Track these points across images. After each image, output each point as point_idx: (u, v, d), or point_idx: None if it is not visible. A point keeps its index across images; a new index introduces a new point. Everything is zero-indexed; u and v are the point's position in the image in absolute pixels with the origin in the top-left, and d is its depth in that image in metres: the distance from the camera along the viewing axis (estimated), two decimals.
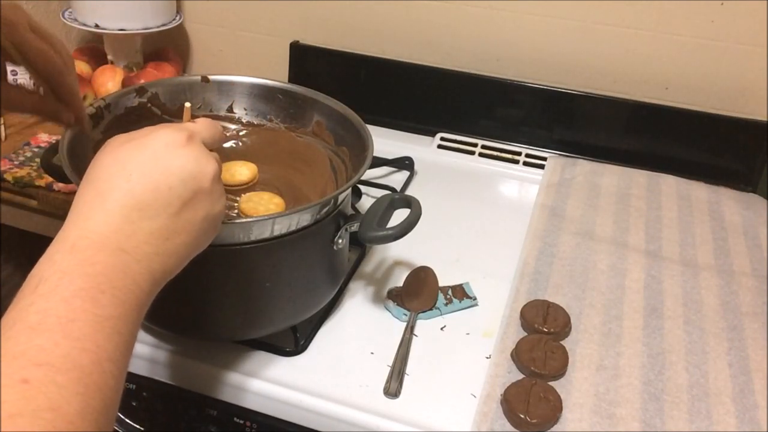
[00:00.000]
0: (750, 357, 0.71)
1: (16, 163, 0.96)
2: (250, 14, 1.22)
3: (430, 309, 0.74)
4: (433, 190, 0.99)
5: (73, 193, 0.46)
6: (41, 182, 0.93)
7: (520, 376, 0.66)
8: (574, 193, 0.97)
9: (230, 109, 0.79)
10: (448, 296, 0.76)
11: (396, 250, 0.84)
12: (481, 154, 1.08)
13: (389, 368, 0.67)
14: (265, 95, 0.79)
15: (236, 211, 0.70)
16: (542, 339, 0.69)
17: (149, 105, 0.75)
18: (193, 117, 0.54)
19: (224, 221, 0.58)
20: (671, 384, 0.67)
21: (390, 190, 0.94)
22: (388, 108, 1.14)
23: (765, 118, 1.03)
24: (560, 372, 0.67)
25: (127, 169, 0.43)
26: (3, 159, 0.97)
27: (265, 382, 0.65)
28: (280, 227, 0.60)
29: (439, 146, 1.09)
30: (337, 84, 1.15)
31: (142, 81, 1.00)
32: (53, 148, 0.63)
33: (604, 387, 0.66)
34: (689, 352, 0.71)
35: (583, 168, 1.03)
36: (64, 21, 1.17)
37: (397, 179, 1.00)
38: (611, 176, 1.01)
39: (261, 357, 0.68)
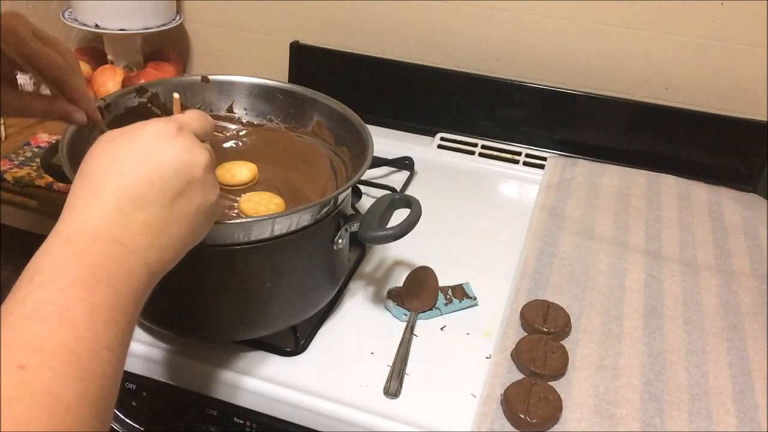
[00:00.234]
0: (750, 357, 0.71)
1: (16, 163, 0.96)
2: (250, 14, 1.22)
3: (430, 309, 0.74)
4: (433, 190, 0.99)
5: None
6: (41, 182, 0.93)
7: (520, 376, 0.66)
8: (574, 193, 0.97)
9: (230, 109, 0.79)
10: (448, 296, 0.76)
11: (396, 250, 0.84)
12: (481, 154, 1.08)
13: (389, 368, 0.67)
14: (265, 95, 0.79)
15: (236, 211, 0.70)
16: (542, 339, 0.69)
17: (149, 105, 0.75)
18: (184, 109, 0.54)
19: (224, 221, 0.58)
20: (671, 384, 0.67)
21: (390, 190, 0.94)
22: (388, 108, 1.14)
23: (765, 118, 1.03)
24: (560, 372, 0.67)
25: (118, 161, 0.44)
26: (3, 159, 0.97)
27: (265, 382, 0.65)
28: (280, 227, 0.60)
29: (439, 146, 1.09)
30: (337, 84, 1.15)
31: (142, 81, 1.00)
32: (53, 148, 0.64)
33: (604, 387, 0.66)
34: (689, 352, 0.71)
35: (583, 168, 1.03)
36: (64, 21, 1.17)
37: (397, 179, 1.00)
38: (611, 176, 1.01)
39: (261, 357, 0.68)
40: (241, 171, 0.73)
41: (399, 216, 0.66)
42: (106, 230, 0.42)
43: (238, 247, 0.59)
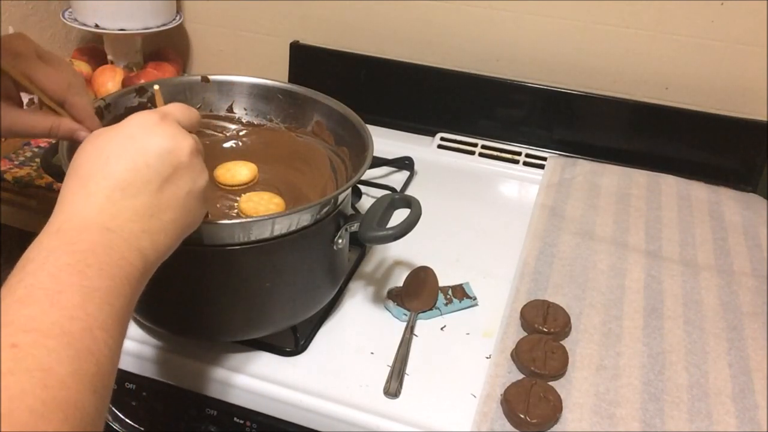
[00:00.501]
0: (750, 357, 0.71)
1: (16, 163, 0.96)
2: (250, 14, 1.22)
3: (430, 309, 0.74)
4: (433, 190, 0.99)
5: None
6: (41, 182, 0.93)
7: (520, 376, 0.66)
8: (574, 193, 0.97)
9: (230, 109, 0.79)
10: (448, 296, 0.76)
11: (396, 250, 0.84)
12: (481, 154, 1.08)
13: (389, 368, 0.67)
14: (265, 95, 0.79)
15: (236, 211, 0.70)
16: (542, 339, 0.69)
17: (149, 105, 0.75)
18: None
19: (224, 221, 0.58)
20: (671, 384, 0.67)
21: (390, 190, 0.94)
22: (388, 108, 1.14)
23: (765, 118, 1.03)
24: (560, 372, 0.67)
25: (105, 153, 0.45)
26: (3, 159, 0.97)
27: (265, 381, 0.65)
28: (280, 227, 0.60)
29: (439, 146, 1.09)
30: (337, 84, 1.15)
31: (142, 81, 1.00)
32: (53, 148, 0.64)
33: (604, 387, 0.66)
34: (689, 352, 0.71)
35: (583, 168, 1.03)
36: (64, 21, 1.17)
37: (397, 179, 1.00)
38: (611, 176, 1.01)
39: (261, 357, 0.68)
40: (241, 171, 0.73)
41: (399, 216, 0.66)
42: (96, 218, 0.42)
43: (238, 247, 0.59)
